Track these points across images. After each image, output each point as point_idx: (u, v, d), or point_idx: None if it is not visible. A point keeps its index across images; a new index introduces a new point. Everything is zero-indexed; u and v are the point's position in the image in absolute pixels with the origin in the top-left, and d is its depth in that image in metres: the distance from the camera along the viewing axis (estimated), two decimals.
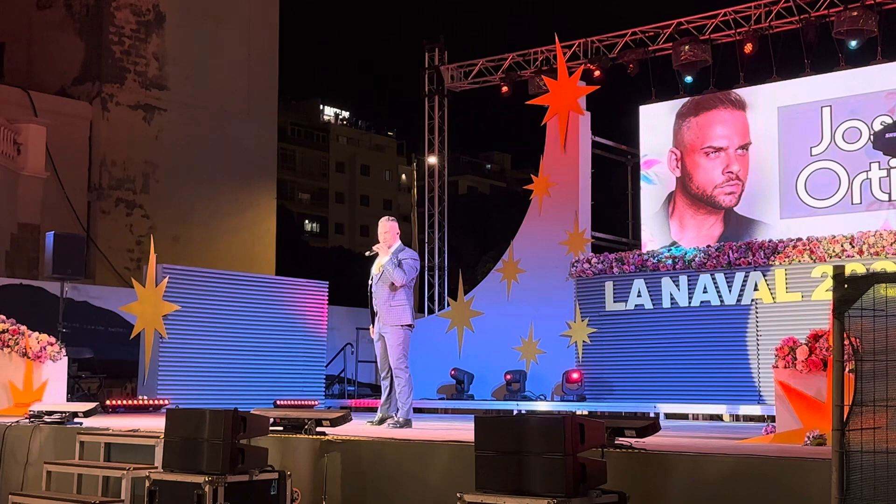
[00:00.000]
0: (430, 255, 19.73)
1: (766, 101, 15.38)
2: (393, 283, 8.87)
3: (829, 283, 11.87)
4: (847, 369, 4.17)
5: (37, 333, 10.88)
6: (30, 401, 10.16)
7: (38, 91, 23.53)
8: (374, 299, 9.03)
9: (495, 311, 15.83)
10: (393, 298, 8.92)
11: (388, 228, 9.11)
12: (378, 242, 9.09)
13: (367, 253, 9.29)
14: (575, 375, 14.04)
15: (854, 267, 11.02)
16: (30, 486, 8.18)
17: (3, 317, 10.88)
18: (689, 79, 16.29)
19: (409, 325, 9.00)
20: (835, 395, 4.12)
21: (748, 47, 15.60)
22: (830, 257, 12.29)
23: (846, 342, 4.14)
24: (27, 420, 8.76)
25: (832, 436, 4.14)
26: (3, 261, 20.42)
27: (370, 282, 9.10)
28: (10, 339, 10.69)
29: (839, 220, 14.07)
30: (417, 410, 15.35)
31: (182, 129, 25.44)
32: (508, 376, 14.89)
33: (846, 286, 4.12)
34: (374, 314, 9.06)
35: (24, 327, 10.87)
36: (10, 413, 9.99)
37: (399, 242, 9.14)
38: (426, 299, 19.52)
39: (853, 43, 14.89)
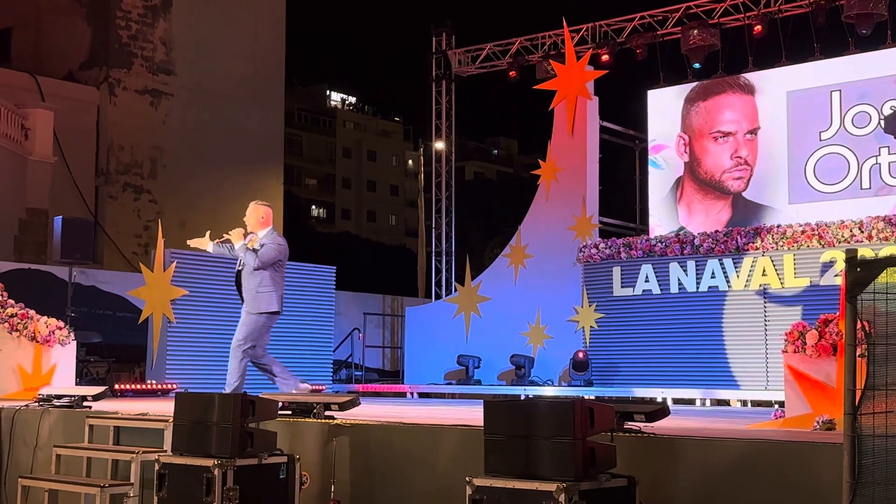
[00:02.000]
0: (437, 241, 19.71)
1: (774, 85, 15.31)
2: (258, 269, 8.65)
3: (838, 268, 11.89)
4: (858, 353, 4.15)
5: (45, 318, 10.91)
6: (39, 385, 10.20)
7: (46, 76, 23.53)
8: (242, 285, 8.81)
9: (503, 297, 15.83)
10: (260, 285, 8.71)
11: (250, 212, 8.92)
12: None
13: (189, 242, 9.14)
14: (581, 355, 14.06)
15: (863, 252, 10.98)
16: (39, 469, 8.20)
17: (12, 301, 10.91)
18: (697, 65, 16.21)
19: (274, 313, 8.81)
20: (847, 379, 4.10)
21: (757, 29, 15.52)
22: (839, 242, 12.27)
23: (858, 326, 4.12)
24: (36, 404, 8.78)
25: (844, 420, 4.12)
26: (12, 245, 20.44)
27: (238, 267, 8.89)
28: (18, 323, 10.72)
29: (848, 205, 14.02)
30: (424, 395, 15.41)
31: (189, 114, 25.45)
32: (513, 357, 14.90)
33: (859, 269, 4.09)
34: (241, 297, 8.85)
35: (32, 312, 10.89)
36: (19, 397, 10.02)
37: (269, 228, 8.89)
38: (433, 285, 19.51)
39: (864, 32, 14.79)
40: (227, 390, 8.55)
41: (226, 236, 8.89)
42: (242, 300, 8.90)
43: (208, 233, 9.16)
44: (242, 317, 8.85)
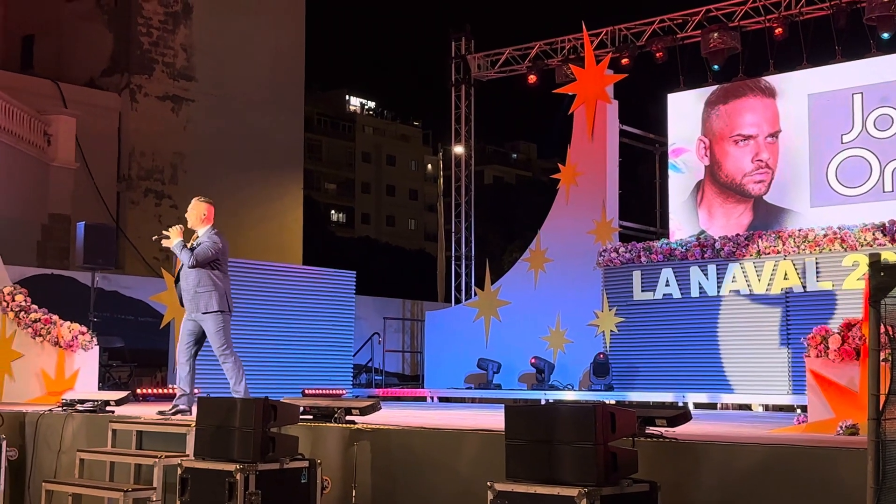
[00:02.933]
0: (456, 245, 19.72)
1: (796, 88, 15.23)
2: (193, 267, 8.37)
3: (861, 271, 11.82)
4: (882, 357, 4.13)
5: (68, 323, 10.99)
6: (62, 389, 10.27)
7: (68, 82, 23.73)
8: (181, 285, 8.54)
9: (522, 301, 15.81)
10: (198, 285, 8.41)
11: (190, 209, 8.60)
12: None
13: (153, 237, 8.87)
14: (601, 356, 14.04)
15: (886, 255, 10.91)
16: (63, 473, 8.26)
17: (36, 306, 11.00)
18: (716, 67, 16.15)
19: (217, 312, 8.44)
20: (871, 384, 4.08)
21: (778, 32, 15.44)
22: (862, 246, 12.19)
23: (882, 330, 4.10)
24: (60, 409, 8.84)
25: (868, 425, 4.10)
26: (35, 251, 20.61)
27: (179, 267, 8.66)
28: (42, 328, 10.81)
29: (870, 208, 13.92)
30: (444, 399, 15.41)
31: (210, 119, 25.58)
32: (533, 360, 14.87)
33: (882, 274, 4.07)
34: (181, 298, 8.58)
35: (55, 317, 10.98)
36: (42, 401, 10.10)
37: (209, 226, 8.57)
38: (453, 289, 19.52)
39: (886, 35, 14.70)
40: (242, 394, 8.35)
41: (164, 233, 8.57)
42: (181, 302, 8.60)
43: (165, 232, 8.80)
44: (205, 324, 8.45)
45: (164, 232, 8.60)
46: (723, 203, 15.82)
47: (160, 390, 12.39)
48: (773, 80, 15.52)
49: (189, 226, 8.60)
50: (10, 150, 19.37)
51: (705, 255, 13.50)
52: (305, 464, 6.47)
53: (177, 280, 8.71)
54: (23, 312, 10.86)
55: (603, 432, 4.95)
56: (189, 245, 8.50)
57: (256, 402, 6.26)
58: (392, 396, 15.53)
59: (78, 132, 21.92)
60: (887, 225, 12.05)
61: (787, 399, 12.14)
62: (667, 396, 12.93)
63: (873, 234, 12.12)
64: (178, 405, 8.35)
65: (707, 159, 15.99)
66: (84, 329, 11.07)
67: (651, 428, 5.79)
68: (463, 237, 19.63)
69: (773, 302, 12.84)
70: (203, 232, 8.58)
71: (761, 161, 15.41)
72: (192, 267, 8.38)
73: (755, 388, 12.74)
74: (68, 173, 21.78)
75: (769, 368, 12.70)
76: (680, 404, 12.32)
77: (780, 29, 15.47)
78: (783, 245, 12.79)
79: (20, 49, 26.51)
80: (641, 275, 14.10)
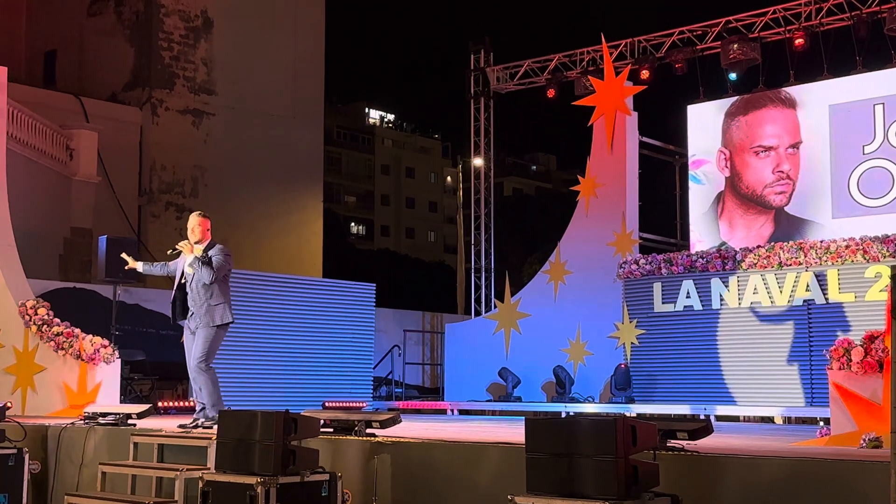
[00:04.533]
0: (476, 257, 19.72)
1: (816, 99, 15.18)
2: (205, 283, 8.42)
3: (883, 283, 11.73)
4: None
5: (90, 336, 11.06)
6: (84, 402, 10.33)
7: (90, 97, 23.92)
8: (189, 299, 8.55)
9: (542, 313, 15.78)
10: (211, 297, 8.46)
11: (196, 223, 8.63)
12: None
13: (169, 251, 8.89)
14: (623, 366, 14.00)
15: None
16: (85, 486, 8.30)
17: (58, 320, 11.07)
18: (733, 76, 16.07)
19: (229, 324, 8.56)
20: (893, 397, 4.05)
21: (799, 43, 15.39)
22: (884, 257, 12.11)
23: None
24: (82, 422, 8.89)
25: (892, 438, 4.07)
26: (57, 265, 20.75)
27: (182, 280, 8.62)
28: (64, 341, 10.88)
29: (893, 219, 13.83)
30: (464, 412, 15.39)
31: (230, 133, 25.72)
32: (558, 368, 14.84)
33: None
34: (186, 311, 8.56)
35: (77, 330, 11.05)
36: (65, 414, 10.16)
37: (210, 239, 8.65)
38: (472, 301, 19.51)
39: None
40: (214, 413, 8.15)
41: (178, 248, 8.60)
42: (175, 317, 8.60)
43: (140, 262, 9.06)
44: (198, 332, 8.48)
45: (177, 247, 8.65)
46: (744, 214, 15.75)
47: (182, 403, 12.43)
48: (794, 90, 15.46)
49: (196, 240, 8.60)
50: (32, 165, 19.53)
51: (726, 267, 13.44)
52: (326, 477, 6.48)
53: (179, 296, 8.63)
54: (45, 326, 10.94)
55: (624, 445, 4.94)
56: (202, 259, 8.49)
57: (277, 416, 6.27)
58: (412, 409, 15.52)
59: (100, 146, 22.08)
60: None
61: (809, 412, 12.05)
62: (688, 409, 12.87)
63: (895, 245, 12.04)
64: (198, 419, 8.37)
65: (727, 170, 15.94)
66: (106, 342, 11.13)
67: (672, 441, 5.76)
68: (483, 249, 19.62)
69: (794, 314, 12.76)
70: (208, 246, 8.60)
71: (782, 172, 15.35)
72: (212, 281, 8.42)
73: (777, 401, 12.65)
74: (90, 187, 21.94)
75: (791, 381, 12.61)
76: (701, 417, 12.25)
77: (800, 40, 15.42)
78: (805, 256, 12.72)
79: (42, 64, 26.77)
80: (662, 287, 14.05)
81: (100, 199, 22.33)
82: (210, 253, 8.54)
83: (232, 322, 8.63)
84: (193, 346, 8.52)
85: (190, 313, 8.57)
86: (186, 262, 8.62)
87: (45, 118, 20.18)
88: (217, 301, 8.49)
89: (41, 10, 26.78)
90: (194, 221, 8.67)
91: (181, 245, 8.58)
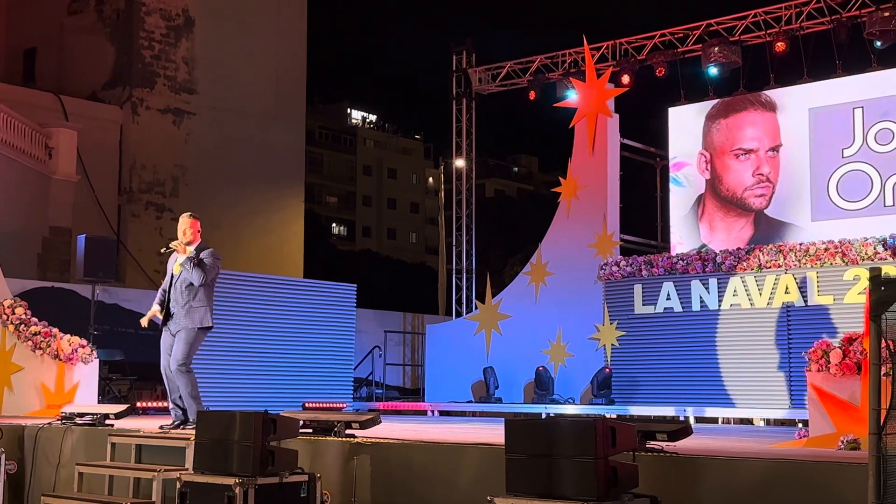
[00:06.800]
0: (457, 259, 19.71)
1: (796, 102, 15.25)
2: (192, 283, 8.38)
3: (862, 285, 11.80)
4: (883, 372, 4.12)
5: (68, 336, 10.98)
6: (61, 402, 10.25)
7: (70, 95, 23.77)
8: (171, 300, 8.49)
9: (523, 314, 15.79)
10: (194, 299, 8.40)
11: (188, 225, 8.56)
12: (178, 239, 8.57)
13: (162, 250, 8.82)
14: (607, 370, 14.02)
15: (887, 269, 10.89)
16: (61, 487, 8.24)
17: (36, 319, 10.99)
18: (714, 72, 16.01)
19: (209, 328, 8.49)
20: (871, 399, 4.07)
21: (779, 47, 15.46)
22: (863, 260, 12.17)
23: (883, 344, 4.09)
24: (59, 422, 8.82)
25: (869, 440, 4.08)
26: (35, 264, 20.61)
27: (170, 280, 8.56)
28: (42, 341, 10.79)
29: (871, 222, 13.91)
30: (445, 413, 15.38)
31: (211, 132, 25.61)
32: (541, 368, 14.84)
33: (883, 288, 4.06)
34: (169, 314, 8.49)
35: (55, 330, 10.96)
36: (42, 415, 10.08)
37: (200, 241, 8.59)
38: (454, 302, 19.50)
39: (878, 43, 14.72)
40: (194, 409, 8.13)
41: (172, 247, 8.53)
42: (167, 315, 8.50)
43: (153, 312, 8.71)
44: (179, 334, 8.39)
45: (170, 246, 8.57)
46: (724, 217, 15.81)
47: (160, 404, 12.36)
48: (774, 94, 15.54)
49: (187, 241, 8.52)
50: (11, 163, 19.39)
51: (706, 269, 13.49)
52: (305, 478, 6.46)
53: (164, 292, 8.56)
54: (23, 325, 10.85)
55: (603, 447, 4.94)
56: (193, 261, 8.42)
57: (256, 416, 6.25)
58: (392, 410, 15.50)
59: (79, 145, 21.95)
60: (888, 239, 12.03)
61: (787, 413, 12.10)
62: (668, 410, 12.90)
63: (874, 249, 12.11)
64: (177, 420, 8.32)
65: (708, 173, 16.00)
66: (84, 342, 11.05)
67: (652, 442, 5.77)
68: (464, 250, 19.62)
69: (774, 316, 12.81)
70: (199, 247, 8.53)
71: (762, 175, 15.42)
72: (201, 284, 8.37)
73: (756, 403, 12.71)
74: (69, 186, 21.80)
75: (770, 383, 12.67)
76: (681, 418, 12.29)
77: (781, 44, 15.49)
78: (784, 259, 12.77)
79: (22, 62, 26.59)
80: (642, 288, 14.08)
81: (79, 198, 22.20)
82: (201, 255, 8.47)
83: (211, 327, 8.53)
84: (173, 347, 8.43)
85: (171, 314, 8.48)
86: (177, 261, 8.54)
87: (24, 116, 20.04)
88: (199, 304, 8.42)
89: (21, 8, 26.60)
90: (185, 223, 8.59)
91: (173, 245, 8.52)
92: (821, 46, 15.48)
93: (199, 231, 8.62)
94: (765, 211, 15.41)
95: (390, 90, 75.99)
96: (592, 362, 14.38)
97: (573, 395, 14.79)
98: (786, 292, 12.74)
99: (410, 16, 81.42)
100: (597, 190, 15.73)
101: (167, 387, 8.56)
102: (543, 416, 12.95)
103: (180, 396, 8.38)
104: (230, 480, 6.09)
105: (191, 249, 8.48)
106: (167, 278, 8.64)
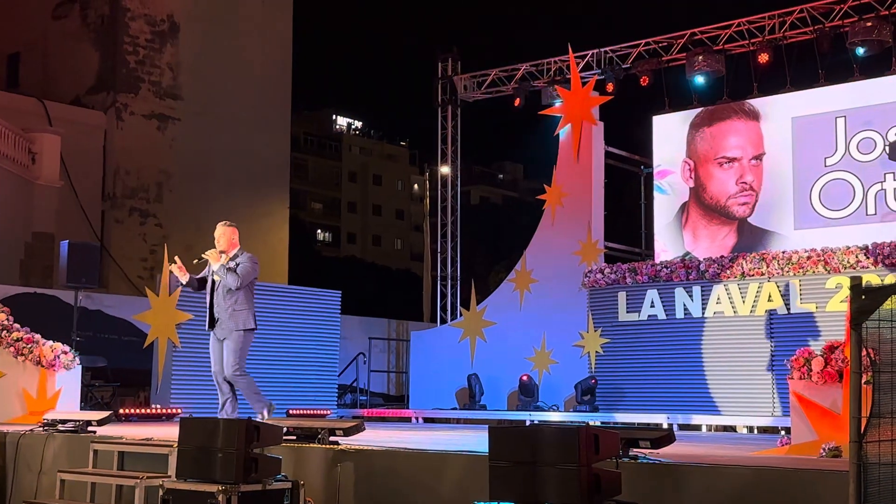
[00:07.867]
0: (442, 265, 19.72)
1: (780, 111, 15.35)
2: (230, 289, 8.86)
3: (844, 294, 11.85)
4: (864, 380, 4.15)
5: (51, 342, 10.92)
6: (43, 409, 10.19)
7: (53, 100, 23.67)
8: (215, 306, 8.98)
9: (508, 321, 15.81)
10: (236, 303, 8.91)
11: (221, 234, 9.06)
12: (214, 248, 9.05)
13: (194, 261, 9.13)
14: (593, 381, 14.04)
15: (869, 278, 10.96)
16: (43, 494, 8.18)
17: (18, 325, 10.92)
18: (700, 80, 16.09)
19: (252, 330, 9.03)
20: (852, 407, 4.10)
21: (763, 57, 15.55)
22: (845, 268, 12.24)
23: (863, 353, 4.12)
24: (41, 428, 8.77)
25: (850, 448, 4.11)
26: (18, 269, 20.50)
27: (211, 286, 9.02)
28: (24, 347, 10.73)
29: (854, 231, 14.01)
30: (429, 420, 15.37)
31: (196, 138, 25.55)
32: (525, 377, 14.86)
33: (864, 297, 4.09)
34: (214, 319, 8.99)
35: (38, 336, 10.90)
36: (23, 421, 10.01)
37: (237, 248, 9.08)
38: (438, 309, 19.50)
39: (860, 50, 14.82)
40: (264, 409, 8.85)
41: (204, 256, 8.95)
42: (212, 321, 8.99)
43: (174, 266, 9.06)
44: (226, 341, 8.94)
45: (203, 256, 8.96)
46: (707, 225, 15.89)
47: (143, 410, 12.32)
48: (758, 103, 15.63)
49: (221, 249, 8.96)
50: None
51: (690, 277, 13.54)
52: (288, 485, 6.44)
53: (209, 299, 8.99)
54: (4, 331, 10.78)
55: (587, 454, 4.95)
56: (228, 267, 8.88)
57: (239, 423, 6.23)
58: (377, 417, 15.48)
59: (63, 150, 21.87)
60: (870, 247, 12.11)
61: (771, 421, 12.15)
62: (652, 418, 12.93)
63: (856, 257, 12.18)
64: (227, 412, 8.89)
65: (692, 181, 16.07)
66: (66, 348, 10.99)
67: (635, 449, 5.79)
68: (449, 257, 19.63)
69: (756, 324, 12.87)
70: (235, 252, 9.00)
71: (745, 183, 15.50)
72: (238, 288, 8.81)
73: (739, 410, 12.75)
74: (53, 191, 21.70)
75: (753, 390, 12.71)
76: (665, 426, 12.31)
77: (764, 53, 15.58)
78: (767, 267, 12.83)
79: (6, 67, 26.48)
80: (627, 296, 14.12)
81: (62, 203, 22.09)
82: (238, 260, 8.94)
83: (255, 329, 9.06)
84: (224, 358, 8.92)
85: (217, 321, 8.95)
86: (213, 269, 8.98)
87: (7, 121, 19.95)
88: (241, 307, 8.91)
89: (5, 12, 26.48)
90: (220, 231, 9.07)
91: (207, 254, 8.93)
92: (804, 56, 15.60)
93: (232, 239, 9.05)
94: (748, 219, 15.49)
95: (376, 97, 76.02)
96: (577, 370, 14.40)
97: (557, 402, 14.81)
98: (769, 300, 12.79)
99: (396, 23, 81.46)
100: (581, 197, 15.78)
101: (218, 388, 9.14)
102: (527, 423, 12.95)
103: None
104: (213, 488, 6.07)
105: (225, 257, 8.91)
106: (208, 285, 9.08)
